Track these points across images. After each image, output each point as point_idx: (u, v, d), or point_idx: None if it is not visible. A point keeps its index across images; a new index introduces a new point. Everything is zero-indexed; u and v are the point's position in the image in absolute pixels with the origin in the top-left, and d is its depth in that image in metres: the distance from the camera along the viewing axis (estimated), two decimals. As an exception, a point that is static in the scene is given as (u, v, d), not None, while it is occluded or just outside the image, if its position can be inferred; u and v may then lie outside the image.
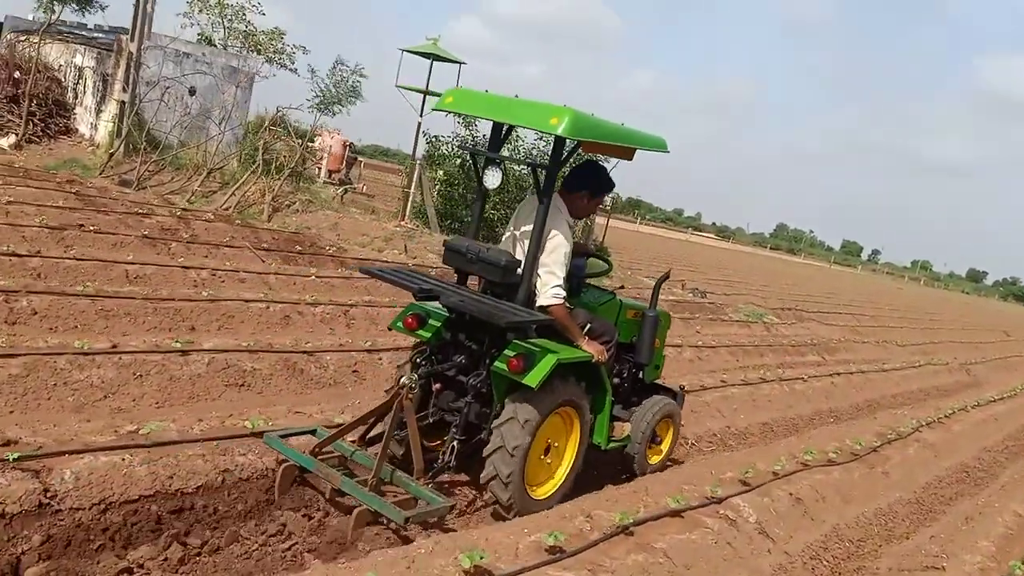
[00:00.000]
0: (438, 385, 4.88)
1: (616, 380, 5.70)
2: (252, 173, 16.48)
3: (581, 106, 4.51)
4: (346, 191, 24.41)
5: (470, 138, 18.59)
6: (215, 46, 21.34)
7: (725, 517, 5.01)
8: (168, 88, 17.73)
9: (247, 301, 7.70)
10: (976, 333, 31.08)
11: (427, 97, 18.92)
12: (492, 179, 4.83)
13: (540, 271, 4.79)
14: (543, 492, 4.94)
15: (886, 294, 48.86)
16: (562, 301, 4.82)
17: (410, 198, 17.61)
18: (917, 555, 5.43)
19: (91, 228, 9.67)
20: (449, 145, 18.74)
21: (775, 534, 5.19)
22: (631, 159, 5.45)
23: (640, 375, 5.91)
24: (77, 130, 18.97)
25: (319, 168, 28.28)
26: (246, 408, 5.19)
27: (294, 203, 16.64)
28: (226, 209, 15.50)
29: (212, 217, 12.77)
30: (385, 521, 4.21)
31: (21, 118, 17.96)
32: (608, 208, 25.62)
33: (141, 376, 5.26)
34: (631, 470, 5.80)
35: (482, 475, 4.63)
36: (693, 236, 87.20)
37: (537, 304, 4.81)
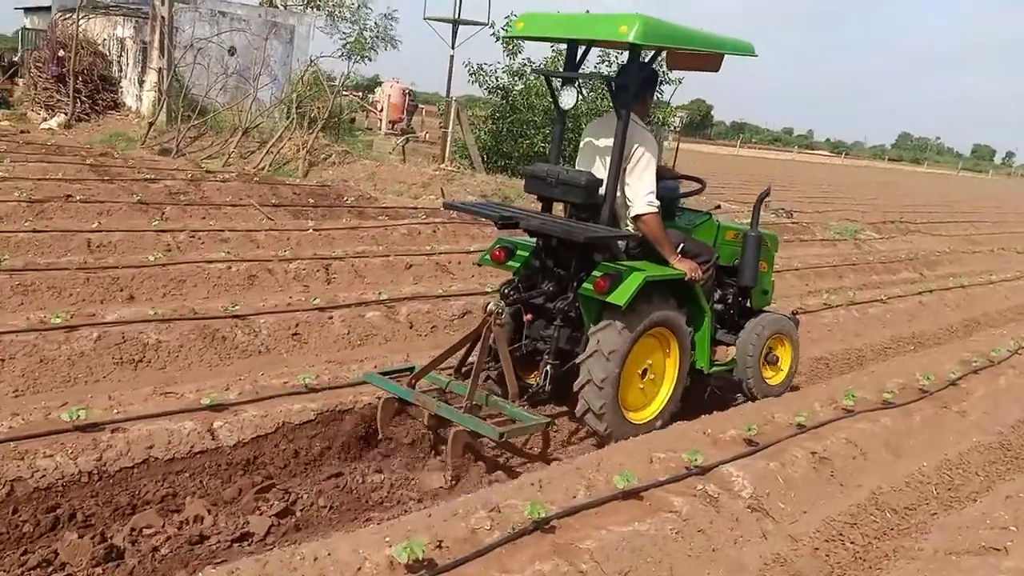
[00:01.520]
0: (529, 316, 4.89)
1: (720, 306, 5.53)
2: (287, 129, 15.82)
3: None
4: (408, 140, 23.56)
5: (519, 64, 17.36)
6: (249, 4, 20.71)
7: (704, 495, 3.85)
8: (200, 50, 17.19)
9: (208, 262, 6.94)
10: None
11: (458, 27, 17.66)
12: (568, 99, 4.81)
13: (629, 179, 4.70)
14: (644, 416, 4.90)
15: (1014, 198, 44.47)
16: (656, 209, 4.71)
17: (448, 138, 16.55)
18: (980, 527, 4.11)
19: (79, 199, 9.15)
20: (494, 76, 17.48)
21: (779, 511, 3.99)
22: (717, 70, 5.19)
23: (747, 302, 5.71)
24: (125, 103, 18.86)
25: (380, 120, 27.62)
26: (124, 389, 4.38)
27: (330, 155, 15.91)
28: (261, 168, 14.98)
29: (228, 177, 12.15)
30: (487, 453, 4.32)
31: (69, 96, 17.97)
32: (676, 128, 23.70)
33: (3, 360, 4.53)
34: (748, 395, 5.53)
35: (576, 409, 4.64)
36: (800, 155, 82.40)
37: (631, 215, 4.75)
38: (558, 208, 5.03)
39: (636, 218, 4.73)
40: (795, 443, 4.64)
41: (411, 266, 8.31)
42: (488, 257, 5.14)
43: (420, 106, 27.57)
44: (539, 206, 5.07)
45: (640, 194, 4.69)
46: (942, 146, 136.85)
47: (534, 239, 4.94)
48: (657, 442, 4.28)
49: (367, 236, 9.59)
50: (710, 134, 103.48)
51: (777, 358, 5.71)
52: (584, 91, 16.45)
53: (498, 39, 17.21)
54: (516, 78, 17.64)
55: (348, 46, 18.91)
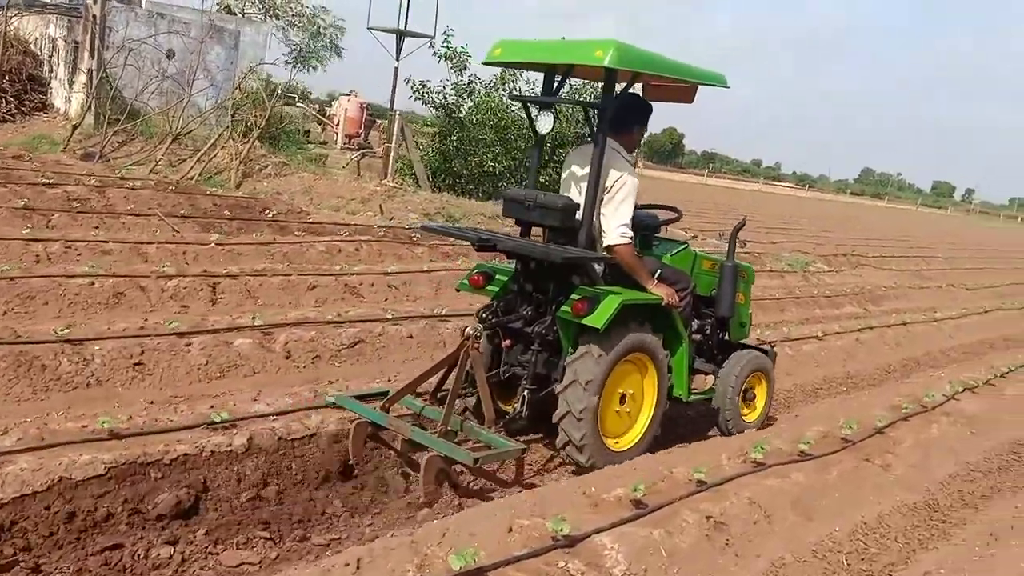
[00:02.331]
0: (507, 342, 4.86)
1: (698, 336, 5.57)
2: (220, 137, 15.09)
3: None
4: (363, 155, 22.90)
5: (466, 81, 16.84)
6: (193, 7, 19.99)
7: (565, 573, 3.25)
8: (133, 51, 16.41)
9: (68, 277, 6.23)
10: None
11: (404, 39, 17.09)
12: (544, 123, 4.80)
13: (605, 210, 4.72)
14: (624, 443, 4.88)
15: (972, 234, 44.93)
16: (628, 241, 4.74)
17: (392, 153, 15.93)
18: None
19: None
20: (441, 93, 16.91)
21: (654, 592, 3.41)
22: (692, 100, 5.32)
23: (725, 334, 5.77)
24: (53, 105, 17.97)
25: (336, 134, 27.00)
26: None
27: (266, 167, 15.21)
28: (190, 177, 14.23)
29: (142, 185, 11.40)
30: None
31: (-6, 97, 17.05)
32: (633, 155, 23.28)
33: None
34: (722, 429, 5.56)
35: (557, 440, 4.62)
36: (766, 186, 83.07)
37: (604, 244, 4.75)
38: (536, 234, 5.05)
39: (608, 248, 4.75)
40: (690, 504, 4.06)
41: (315, 287, 7.65)
42: (467, 282, 5.18)
43: (378, 121, 26.98)
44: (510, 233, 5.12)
45: (614, 225, 4.71)
46: (903, 182, 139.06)
47: (512, 265, 4.99)
48: (523, 506, 3.66)
49: (278, 253, 8.93)
50: (681, 163, 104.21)
51: (754, 396, 5.80)
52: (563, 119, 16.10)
53: (441, 58, 16.69)
54: (464, 95, 17.10)
55: (295, 55, 18.12)
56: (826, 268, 16.39)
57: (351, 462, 4.38)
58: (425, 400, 4.68)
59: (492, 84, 17.33)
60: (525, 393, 4.68)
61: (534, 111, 4.89)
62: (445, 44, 16.96)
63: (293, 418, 4.25)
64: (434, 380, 4.68)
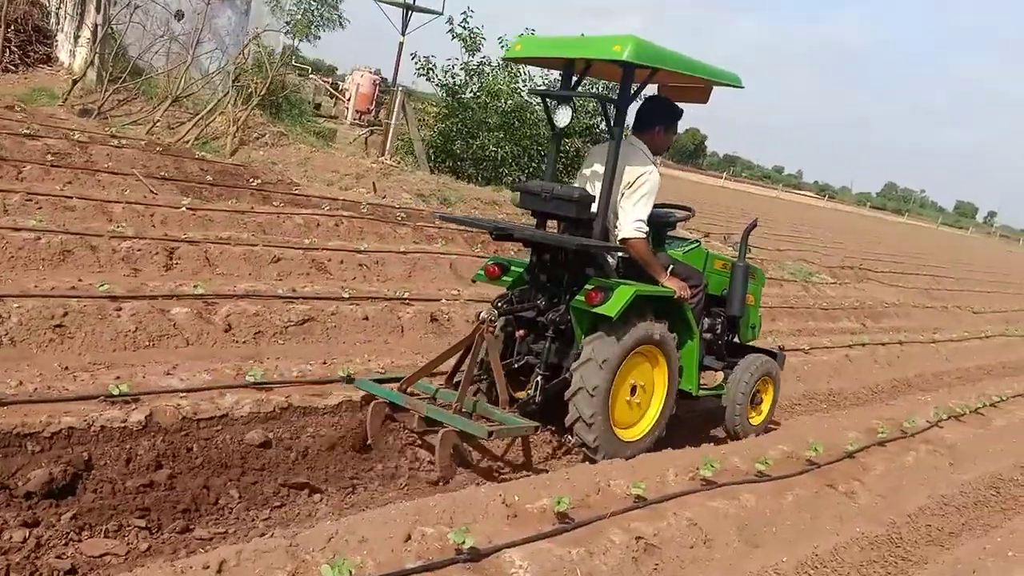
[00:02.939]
0: (521, 332, 4.93)
1: (708, 335, 5.62)
2: (219, 102, 14.80)
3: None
4: (372, 132, 22.58)
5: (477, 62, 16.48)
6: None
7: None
8: (139, 7, 16.11)
9: (14, 230, 5.95)
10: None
11: (411, 14, 16.70)
12: (562, 117, 4.84)
13: (624, 204, 4.80)
14: (633, 434, 4.95)
15: (988, 256, 44.19)
16: (643, 236, 4.81)
17: (391, 131, 15.60)
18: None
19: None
20: (449, 72, 16.55)
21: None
22: (706, 101, 5.40)
23: (735, 336, 5.85)
24: (58, 58, 17.71)
25: (347, 109, 26.70)
26: None
27: (264, 135, 14.92)
28: (185, 141, 13.96)
29: (131, 144, 11.13)
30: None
31: (-1, 45, 16.81)
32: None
33: None
34: (729, 430, 5.69)
35: (566, 418, 4.67)
36: (785, 193, 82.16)
37: (618, 237, 4.82)
38: (551, 226, 5.12)
39: (623, 241, 4.81)
40: (621, 522, 3.74)
41: (279, 259, 7.35)
42: (483, 273, 5.24)
43: (385, 97, 26.57)
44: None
45: (631, 219, 4.78)
46: (926, 199, 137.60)
47: (527, 257, 5.08)
48: (431, 512, 3.35)
49: (252, 223, 8.63)
50: (702, 164, 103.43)
51: (761, 400, 5.87)
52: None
53: (455, 36, 16.35)
54: (473, 76, 16.74)
55: (292, 24, 17.77)
56: (830, 280, 15.96)
57: (369, 442, 4.50)
58: (440, 384, 4.81)
59: (501, 68, 16.96)
60: (539, 379, 4.77)
61: (552, 105, 4.94)
62: (463, 24, 16.64)
63: (205, 396, 3.94)
64: (449, 365, 4.82)
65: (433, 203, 13.72)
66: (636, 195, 4.79)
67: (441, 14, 16.63)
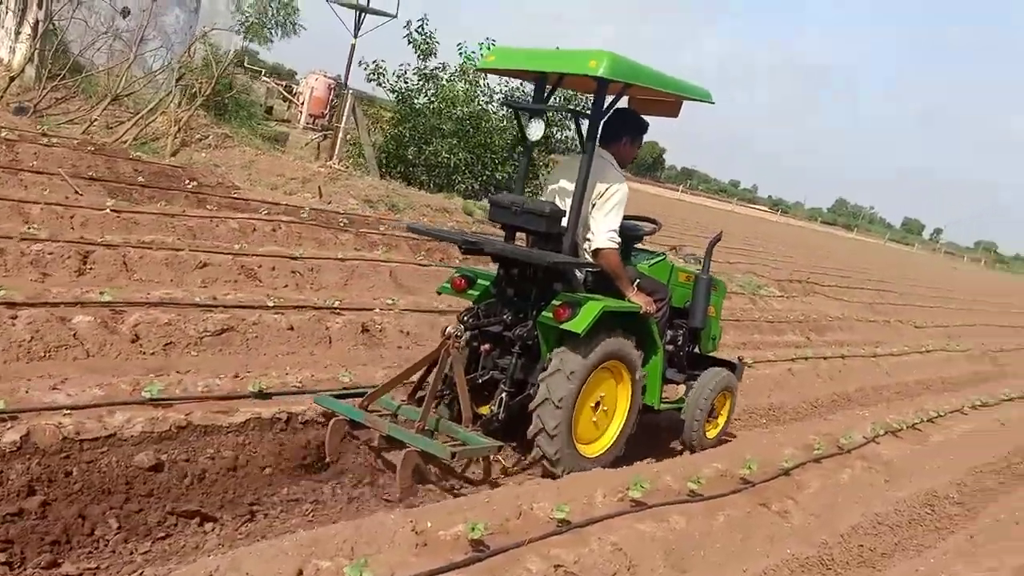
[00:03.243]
0: (487, 345, 4.90)
1: (671, 347, 5.67)
2: (161, 102, 14.37)
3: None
4: (325, 136, 22.20)
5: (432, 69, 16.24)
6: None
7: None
8: (81, 3, 15.59)
9: None
10: (1027, 317, 27.67)
11: (364, 15, 16.44)
12: (535, 130, 4.83)
13: (596, 215, 4.82)
14: (594, 450, 4.95)
15: (933, 272, 45.16)
16: (616, 246, 4.83)
17: (340, 135, 15.30)
18: None
19: None
20: (402, 77, 16.31)
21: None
22: (676, 115, 5.45)
23: (696, 346, 5.90)
24: (-2, 54, 17.08)
25: (300, 112, 26.28)
26: None
27: (207, 137, 14.52)
28: (124, 141, 13.51)
29: (61, 143, 10.68)
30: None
31: (-69, 40, 16.14)
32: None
33: None
34: (686, 443, 5.71)
35: (529, 429, 4.64)
36: (739, 207, 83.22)
37: (591, 247, 4.84)
38: (520, 238, 5.14)
39: (596, 252, 4.83)
40: (541, 549, 3.56)
41: (205, 265, 7.04)
42: (448, 286, 5.19)
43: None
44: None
45: (603, 229, 4.79)
46: (875, 215, 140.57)
47: (493, 269, 5.05)
48: (331, 542, 3.11)
49: (182, 227, 8.30)
50: (660, 176, 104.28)
51: (718, 413, 5.90)
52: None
53: (411, 43, 16.11)
54: (427, 82, 16.51)
55: (246, 25, 17.38)
56: (777, 293, 16.02)
57: (327, 459, 4.44)
58: (402, 400, 4.75)
59: (458, 74, 16.78)
60: (503, 395, 4.73)
61: (524, 118, 4.93)
62: (419, 30, 16.42)
63: (93, 414, 3.65)
64: (413, 380, 4.78)
65: (381, 209, 13.47)
66: (607, 206, 4.82)
67: (395, 16, 16.40)
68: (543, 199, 5.07)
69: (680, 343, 5.76)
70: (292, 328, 6.01)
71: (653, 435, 5.88)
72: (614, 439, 5.04)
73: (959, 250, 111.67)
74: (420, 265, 9.26)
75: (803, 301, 15.83)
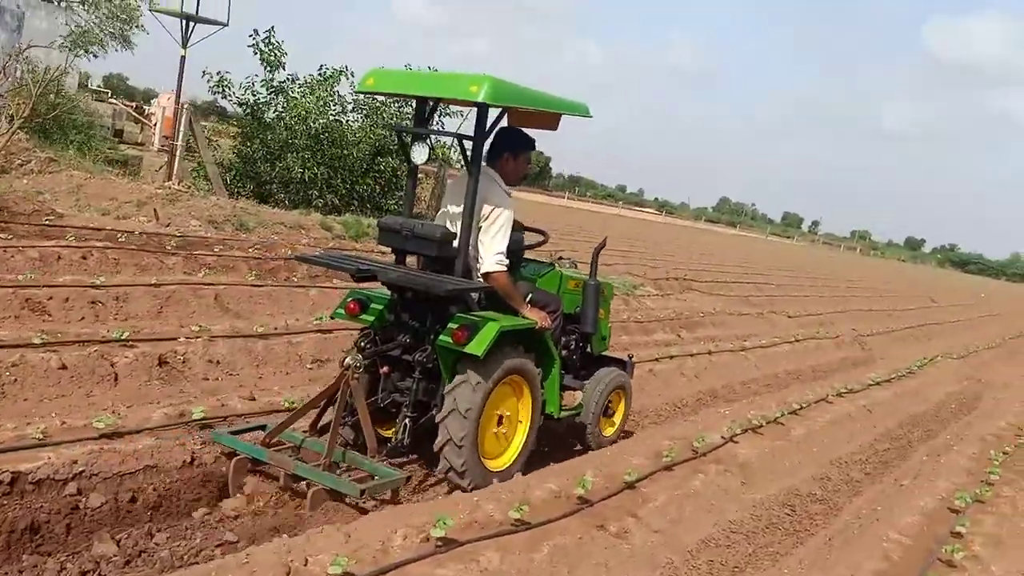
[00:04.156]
0: (385, 368, 4.92)
1: (564, 352, 5.77)
2: (-27, 125, 13.02)
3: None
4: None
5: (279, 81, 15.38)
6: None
7: None
8: None
9: None
10: (899, 300, 28.80)
11: (192, 25, 15.46)
12: (419, 154, 4.90)
13: (483, 238, 4.88)
14: (501, 463, 5.02)
15: (811, 262, 46.88)
16: (505, 268, 4.89)
17: (178, 152, 14.26)
18: None
19: None
20: (249, 89, 15.36)
21: None
22: (555, 128, 5.55)
23: (587, 348, 6.04)
24: None
25: (154, 134, 24.82)
26: None
27: (29, 161, 13.23)
28: (-72, 170, 12.13)
29: None
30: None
31: None
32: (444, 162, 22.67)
33: None
34: (586, 444, 5.82)
35: (435, 442, 4.67)
36: (626, 210, 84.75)
37: (481, 272, 4.89)
38: (411, 261, 5.15)
39: (486, 275, 4.87)
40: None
41: (-20, 301, 6.08)
42: (342, 311, 5.13)
43: (203, 123, 24.85)
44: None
45: (491, 253, 4.85)
46: (756, 212, 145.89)
47: (388, 292, 5.02)
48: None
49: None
50: (548, 185, 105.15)
51: (613, 412, 6.05)
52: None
53: (255, 53, 15.19)
54: (276, 95, 15.62)
55: (74, 37, 16.09)
56: (653, 292, 15.89)
57: (230, 497, 4.39)
58: (305, 432, 4.66)
59: (308, 87, 15.96)
60: (407, 421, 4.77)
61: (408, 141, 4.94)
62: (266, 41, 15.52)
63: None
64: (314, 412, 4.71)
65: (227, 229, 12.52)
66: (492, 229, 4.88)
67: (226, 25, 15.42)
68: (435, 223, 5.07)
69: (573, 348, 5.91)
70: (65, 367, 5.16)
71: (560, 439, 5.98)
72: (518, 452, 5.11)
73: (836, 239, 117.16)
74: (254, 286, 8.46)
75: (678, 299, 15.73)
